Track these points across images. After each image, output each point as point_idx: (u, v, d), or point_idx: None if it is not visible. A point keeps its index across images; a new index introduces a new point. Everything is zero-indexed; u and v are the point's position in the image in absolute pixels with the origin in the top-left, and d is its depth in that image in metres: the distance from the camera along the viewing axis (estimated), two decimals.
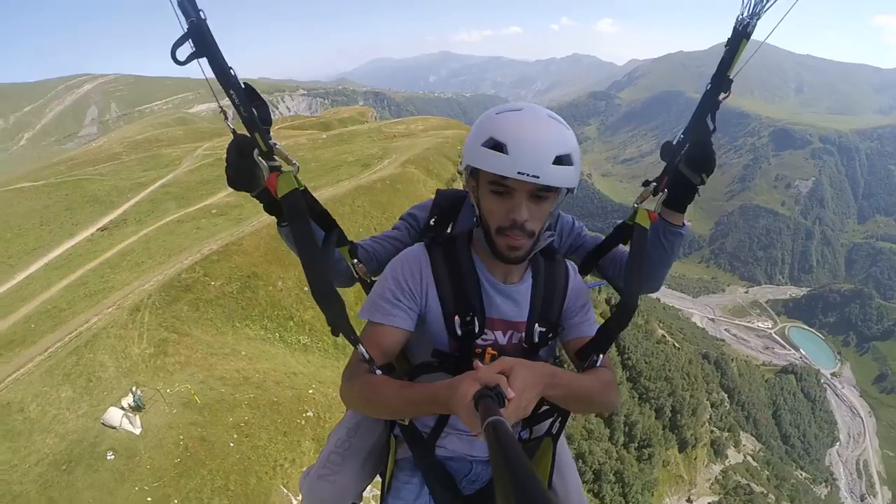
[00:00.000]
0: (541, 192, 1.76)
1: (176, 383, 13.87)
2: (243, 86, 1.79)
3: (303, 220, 1.85)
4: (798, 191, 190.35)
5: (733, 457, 73.66)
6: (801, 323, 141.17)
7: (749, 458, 76.01)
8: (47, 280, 23.49)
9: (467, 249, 2.03)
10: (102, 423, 11.50)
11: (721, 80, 2.08)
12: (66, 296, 20.17)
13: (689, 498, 59.38)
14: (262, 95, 1.83)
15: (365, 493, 2.28)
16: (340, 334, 1.77)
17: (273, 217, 2.09)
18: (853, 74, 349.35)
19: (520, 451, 0.95)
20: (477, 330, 1.93)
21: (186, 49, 1.62)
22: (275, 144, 1.87)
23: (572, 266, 2.25)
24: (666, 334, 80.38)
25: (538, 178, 1.69)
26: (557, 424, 2.23)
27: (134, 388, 12.57)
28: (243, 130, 1.85)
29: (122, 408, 11.90)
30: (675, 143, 2.26)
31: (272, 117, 1.92)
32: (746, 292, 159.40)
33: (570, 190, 1.86)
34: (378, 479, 2.25)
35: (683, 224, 2.34)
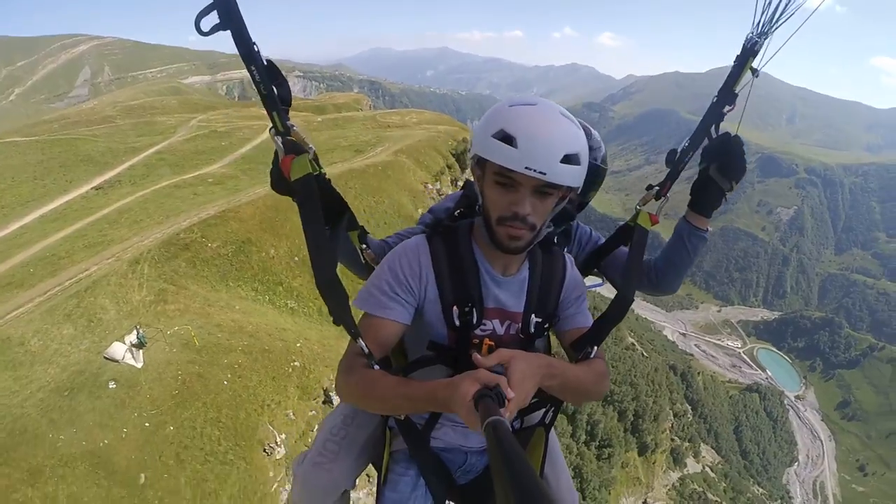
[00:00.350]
0: (545, 189, 1.76)
1: (176, 326, 14.73)
2: (265, 62, 1.79)
3: (313, 205, 1.85)
4: (779, 218, 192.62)
5: (692, 466, 75.20)
6: (769, 345, 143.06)
7: (707, 469, 77.66)
8: (43, 231, 23.79)
9: (468, 240, 2.02)
10: (105, 357, 12.35)
11: (727, 94, 2.22)
12: (65, 245, 20.70)
13: (645, 501, 60.40)
14: None
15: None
16: (341, 325, 1.79)
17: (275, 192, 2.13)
18: (847, 111, 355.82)
19: (520, 451, 0.97)
20: (475, 320, 1.94)
21: (212, 19, 1.64)
22: (292, 126, 1.89)
23: (569, 258, 2.25)
24: (636, 342, 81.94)
25: (545, 174, 1.69)
26: (550, 414, 2.31)
27: (137, 327, 13.41)
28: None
29: (126, 344, 12.78)
30: (679, 150, 2.37)
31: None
32: (719, 311, 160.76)
33: (574, 189, 1.86)
34: (371, 467, 2.36)
35: (707, 229, 2.45)
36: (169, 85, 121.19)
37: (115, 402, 11.29)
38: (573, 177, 1.73)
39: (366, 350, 1.77)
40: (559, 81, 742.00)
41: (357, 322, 1.83)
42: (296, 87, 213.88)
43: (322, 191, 1.90)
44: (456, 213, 2.40)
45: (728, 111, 2.24)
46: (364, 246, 2.33)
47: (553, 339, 2.30)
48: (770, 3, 2.01)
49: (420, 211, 30.49)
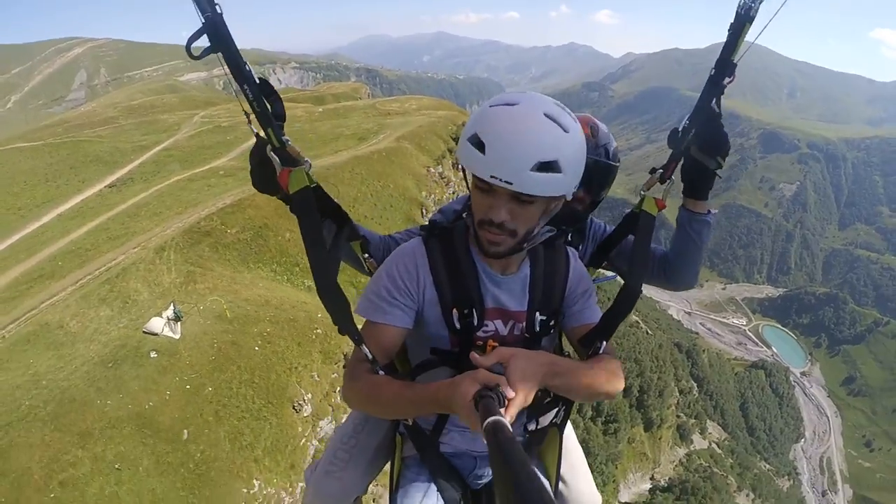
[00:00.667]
0: (524, 196, 1.68)
1: (207, 302, 15.88)
2: (258, 80, 1.85)
3: (312, 217, 1.89)
4: (782, 194, 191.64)
5: (698, 443, 75.89)
6: (775, 322, 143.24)
7: (714, 446, 78.42)
8: (64, 228, 24.79)
9: (464, 241, 1.98)
10: (144, 332, 13.42)
11: (725, 65, 2.11)
12: (89, 239, 21.75)
13: (652, 476, 61.58)
14: (253, 66, 1.83)
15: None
16: (345, 333, 1.81)
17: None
18: (847, 84, 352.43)
19: (520, 451, 0.95)
20: (476, 322, 1.91)
21: (203, 42, 1.70)
22: (287, 141, 1.93)
23: (573, 252, 2.19)
24: (640, 321, 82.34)
25: (511, 184, 1.62)
26: (562, 413, 2.24)
27: (173, 302, 14.55)
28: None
29: (164, 318, 13.89)
30: (681, 129, 2.26)
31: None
32: (724, 289, 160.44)
33: (558, 198, 1.79)
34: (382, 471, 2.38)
35: (709, 211, 2.41)
36: (166, 83, 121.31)
37: (157, 369, 12.43)
38: (550, 186, 1.65)
39: (369, 356, 1.79)
40: (557, 62, 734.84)
41: (360, 329, 1.87)
42: (292, 78, 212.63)
43: (320, 202, 1.98)
44: (463, 214, 2.18)
45: (728, 83, 2.15)
46: (367, 255, 2.34)
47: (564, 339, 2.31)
48: None
49: (423, 194, 31.66)
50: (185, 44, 1.67)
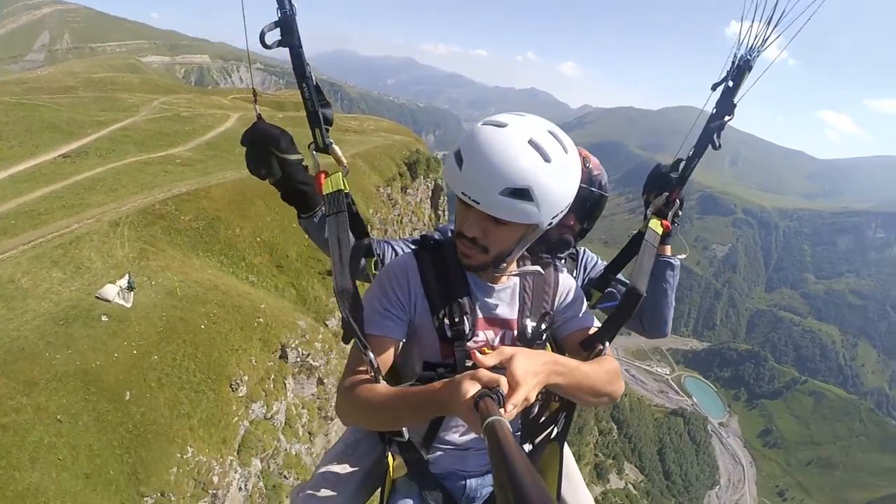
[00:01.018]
0: (497, 218, 1.68)
1: (160, 278, 16.45)
2: (315, 84, 1.95)
3: (341, 217, 1.93)
4: (714, 254, 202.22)
5: (615, 482, 78.47)
6: (697, 373, 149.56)
7: (630, 486, 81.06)
8: (16, 189, 24.29)
9: (454, 252, 1.96)
10: (96, 297, 13.89)
11: (727, 105, 2.28)
12: (43, 204, 21.64)
13: None
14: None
15: None
16: (352, 339, 1.78)
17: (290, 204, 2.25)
18: (789, 158, 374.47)
19: (520, 451, 0.94)
20: (468, 329, 1.90)
21: (275, 35, 1.82)
22: (330, 143, 2.02)
23: (560, 264, 2.23)
24: None
25: (478, 203, 1.65)
26: (562, 421, 2.25)
27: (129, 273, 15.06)
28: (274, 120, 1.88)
29: (117, 286, 14.39)
30: (685, 158, 2.41)
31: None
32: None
33: (530, 225, 1.76)
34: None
35: (672, 256, 2.55)
36: (127, 62, 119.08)
37: (107, 332, 12.97)
38: (520, 213, 1.65)
39: (375, 363, 1.75)
40: (517, 104, 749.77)
41: (350, 348, 1.87)
42: (255, 79, 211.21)
43: (349, 212, 1.99)
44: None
45: (728, 120, 2.33)
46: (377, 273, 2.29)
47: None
48: (764, 19, 2.10)
49: (371, 211, 32.40)
50: (261, 43, 1.80)
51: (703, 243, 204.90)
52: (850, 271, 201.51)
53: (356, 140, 45.05)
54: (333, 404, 16.34)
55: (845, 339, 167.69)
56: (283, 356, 17.39)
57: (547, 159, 1.62)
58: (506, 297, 2.02)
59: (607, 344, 2.02)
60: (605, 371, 1.84)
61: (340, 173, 2.03)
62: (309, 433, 18.93)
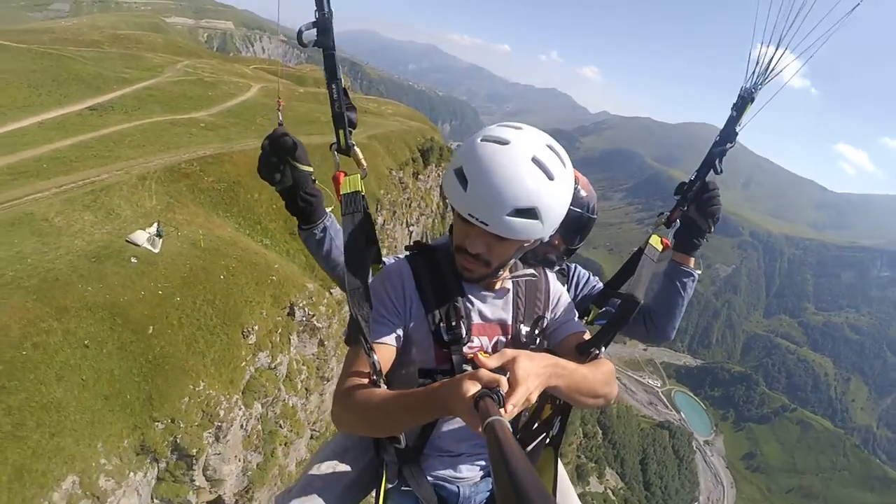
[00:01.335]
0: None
1: (185, 230, 17.58)
2: (343, 87, 1.98)
3: (356, 217, 1.95)
4: (717, 273, 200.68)
5: (594, 485, 78.09)
6: (687, 389, 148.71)
7: (609, 492, 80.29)
8: (46, 136, 25.12)
9: (449, 259, 1.99)
10: (127, 240, 15.02)
11: (730, 134, 2.37)
12: (74, 152, 22.59)
13: None
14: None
15: None
16: (357, 340, 1.76)
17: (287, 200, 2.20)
18: (801, 186, 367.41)
19: (520, 451, 0.94)
20: (464, 334, 1.91)
21: (312, 34, 1.87)
22: (352, 145, 2.05)
23: (552, 273, 2.26)
24: None
25: (487, 225, 1.66)
26: (557, 425, 2.32)
27: (158, 222, 16.24)
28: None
29: (147, 233, 15.55)
30: (688, 181, 2.46)
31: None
32: (645, 350, 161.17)
33: (534, 240, 1.81)
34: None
35: (693, 268, 2.56)
36: (152, 20, 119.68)
37: (136, 272, 14.12)
38: (526, 231, 1.68)
39: (378, 366, 1.74)
40: (536, 103, 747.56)
41: (346, 354, 1.89)
42: (277, 50, 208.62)
43: (363, 214, 2.00)
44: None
45: (730, 147, 2.37)
46: None
47: None
48: (763, 59, 2.18)
49: (382, 191, 33.56)
50: (298, 41, 1.86)
51: (706, 261, 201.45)
52: (850, 306, 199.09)
53: (373, 122, 45.94)
54: (330, 409, 16.91)
55: (839, 372, 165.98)
56: (291, 313, 18.63)
57: (550, 177, 1.67)
58: (500, 302, 2.05)
59: (603, 348, 2.04)
60: (602, 373, 1.87)
61: (359, 175, 2.07)
62: (306, 389, 20.07)
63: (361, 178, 2.06)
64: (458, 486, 2.13)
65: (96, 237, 15.22)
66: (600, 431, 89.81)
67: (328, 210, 2.25)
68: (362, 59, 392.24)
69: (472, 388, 1.29)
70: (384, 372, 1.84)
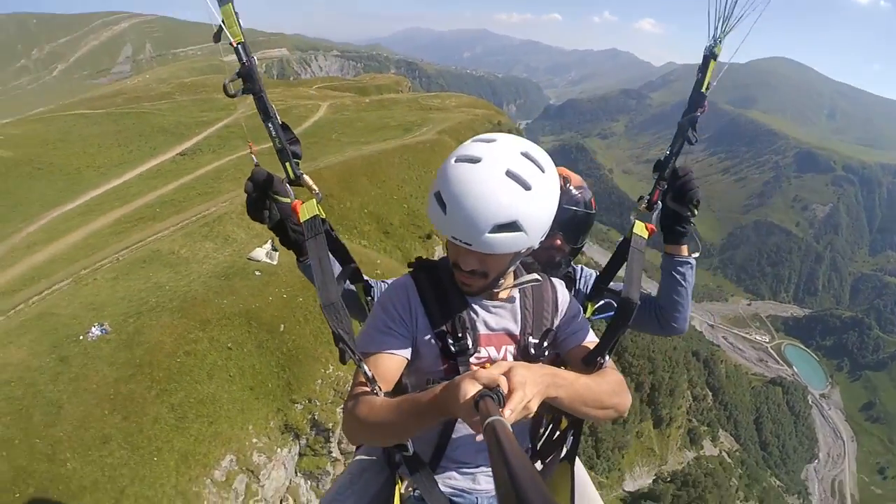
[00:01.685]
0: None
1: None
2: (281, 123, 2.15)
3: (319, 239, 2.00)
4: (814, 214, 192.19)
5: (709, 449, 76.62)
6: (798, 342, 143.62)
7: (724, 455, 78.41)
8: (149, 185, 28.00)
9: (450, 273, 2.01)
10: (248, 258, 16.95)
11: (698, 98, 2.34)
12: (179, 194, 25.20)
13: (658, 473, 62.44)
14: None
15: None
16: (345, 353, 1.77)
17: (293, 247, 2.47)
18: (889, 109, 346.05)
19: (520, 451, 0.93)
20: (470, 345, 1.95)
21: (239, 84, 2.04)
22: (301, 175, 2.17)
23: (558, 281, 2.26)
24: None
25: (470, 245, 1.70)
26: (570, 439, 2.33)
27: (271, 240, 17.72)
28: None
29: (264, 249, 17.40)
30: (663, 158, 2.42)
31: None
32: (749, 305, 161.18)
33: (518, 253, 1.83)
34: None
35: (688, 255, 2.55)
36: (210, 63, 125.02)
37: (261, 282, 16.05)
38: (510, 245, 1.71)
39: (369, 374, 1.78)
40: (597, 66, 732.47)
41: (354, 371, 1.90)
42: (333, 66, 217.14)
43: (328, 238, 2.09)
44: None
45: (702, 112, 2.35)
46: (370, 298, 2.50)
47: None
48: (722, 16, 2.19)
49: None
50: (224, 93, 2.04)
51: (801, 203, 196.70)
52: None
53: (440, 117, 47.53)
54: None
55: None
56: None
57: (527, 187, 1.67)
58: (506, 313, 2.07)
59: (608, 357, 2.03)
60: (608, 383, 1.85)
61: (314, 200, 2.11)
62: None
63: (317, 203, 2.13)
64: (476, 498, 2.13)
65: (220, 260, 17.25)
66: (710, 394, 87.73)
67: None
68: (417, 57, 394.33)
69: (472, 388, 1.31)
70: (393, 381, 1.92)
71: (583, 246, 3.00)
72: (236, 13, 2.02)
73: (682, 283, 2.58)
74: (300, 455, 15.24)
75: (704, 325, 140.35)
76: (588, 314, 2.64)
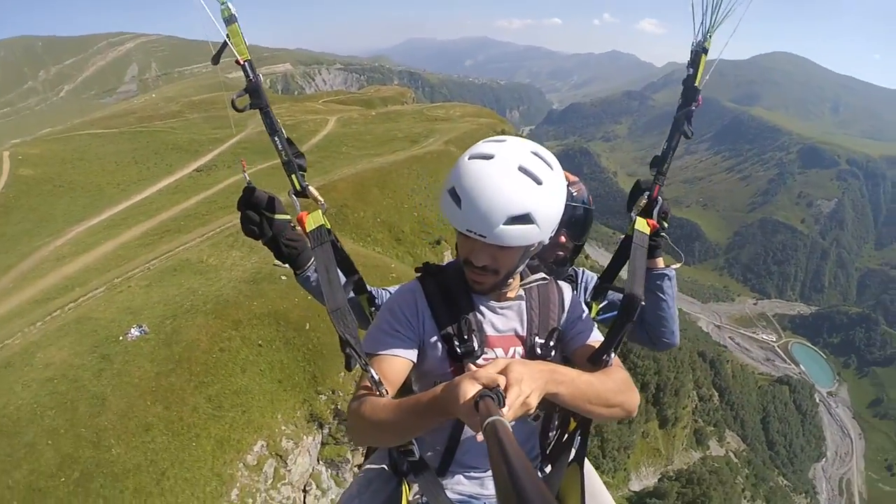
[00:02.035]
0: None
1: None
2: (287, 137, 2.15)
3: (325, 248, 2.04)
4: (819, 210, 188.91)
5: (715, 449, 75.60)
6: (805, 340, 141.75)
7: (731, 455, 77.42)
8: (170, 200, 29.41)
9: (459, 275, 2.05)
10: (274, 265, 18.13)
11: (691, 93, 2.33)
12: (202, 208, 26.66)
13: (663, 472, 61.93)
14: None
15: None
16: (351, 358, 1.80)
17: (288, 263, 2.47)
18: (892, 100, 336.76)
19: (520, 451, 0.93)
20: (477, 347, 1.96)
21: (246, 100, 2.06)
22: (306, 186, 2.16)
23: (565, 283, 2.27)
24: None
25: (485, 237, 1.71)
26: (578, 441, 2.32)
27: None
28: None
29: None
30: (660, 153, 2.42)
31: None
32: (755, 304, 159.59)
33: (532, 245, 1.85)
34: None
35: (665, 267, 2.53)
36: (215, 80, 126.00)
37: (287, 286, 17.38)
38: (524, 237, 1.74)
39: (376, 377, 1.78)
40: (599, 69, 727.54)
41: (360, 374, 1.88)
42: (337, 79, 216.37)
43: (333, 249, 2.11)
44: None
45: (696, 107, 2.35)
46: (373, 309, 2.53)
47: None
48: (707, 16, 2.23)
49: None
50: (232, 108, 2.08)
51: (806, 199, 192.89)
52: None
53: (446, 127, 48.88)
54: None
55: None
56: None
57: (538, 182, 1.73)
58: (512, 314, 2.09)
59: (613, 355, 2.04)
60: (614, 381, 1.86)
61: (320, 211, 2.16)
62: None
63: (323, 213, 2.16)
64: (484, 503, 2.14)
65: (248, 267, 18.72)
66: (716, 394, 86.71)
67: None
68: (419, 68, 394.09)
69: (472, 388, 1.31)
70: (398, 383, 1.91)
71: (584, 243, 3.04)
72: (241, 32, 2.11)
73: (663, 296, 2.58)
74: (322, 444, 16.61)
75: (711, 325, 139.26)
76: (592, 314, 2.54)
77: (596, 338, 2.14)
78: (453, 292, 2.06)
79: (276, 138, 2.15)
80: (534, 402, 1.38)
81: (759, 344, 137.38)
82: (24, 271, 22.50)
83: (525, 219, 1.71)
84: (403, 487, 2.16)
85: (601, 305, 2.62)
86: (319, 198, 2.20)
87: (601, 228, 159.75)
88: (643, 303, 2.16)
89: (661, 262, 2.58)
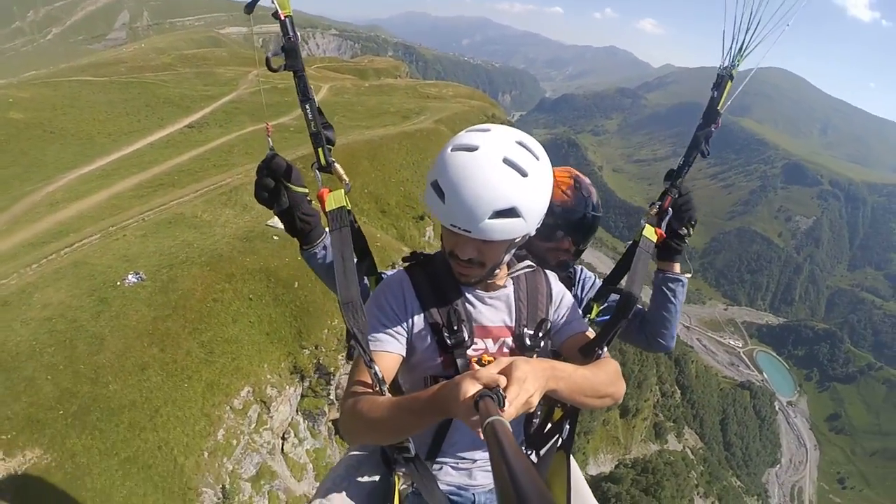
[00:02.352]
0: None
1: None
2: (318, 107, 2.01)
3: (344, 232, 1.98)
4: (797, 226, 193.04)
5: (673, 444, 76.95)
6: (770, 349, 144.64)
7: (688, 451, 78.31)
8: (162, 154, 29.24)
9: (446, 266, 2.03)
10: (267, 224, 18.85)
11: (713, 114, 2.39)
12: (195, 164, 26.76)
13: (620, 460, 63.04)
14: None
15: None
16: (354, 351, 1.82)
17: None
18: (882, 129, 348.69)
19: (520, 451, 0.92)
20: (466, 337, 1.96)
21: (280, 59, 1.92)
22: (333, 162, 2.08)
23: (551, 273, 2.28)
24: None
25: (469, 232, 1.70)
26: (567, 429, 2.35)
27: None
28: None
29: None
30: (677, 166, 2.46)
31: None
32: (725, 309, 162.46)
33: (513, 240, 1.84)
34: None
35: (680, 273, 2.56)
36: (207, 34, 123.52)
37: (279, 245, 18.04)
38: (509, 230, 1.72)
39: (379, 374, 1.77)
40: (595, 63, 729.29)
41: (351, 366, 1.91)
42: (331, 45, 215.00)
43: (352, 231, 2.05)
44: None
45: (715, 129, 2.40)
46: None
47: None
48: (736, 41, 2.26)
49: None
50: (266, 67, 1.93)
51: (785, 214, 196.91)
52: None
53: (438, 106, 48.94)
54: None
55: None
56: (393, 267, 22.44)
57: (524, 174, 1.69)
58: (500, 304, 2.09)
59: (605, 348, 2.07)
60: (606, 373, 1.88)
61: (342, 190, 2.10)
62: None
63: (345, 193, 2.11)
64: (472, 494, 2.17)
65: (241, 225, 19.28)
66: (679, 391, 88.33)
67: (327, 229, 2.20)
68: (415, 42, 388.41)
69: (472, 388, 1.29)
70: (389, 380, 1.89)
71: (585, 248, 2.99)
72: None
73: (672, 300, 2.61)
74: (302, 396, 17.50)
75: (680, 326, 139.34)
76: (593, 315, 2.61)
77: (583, 329, 2.18)
78: (442, 282, 2.07)
79: (308, 106, 2.08)
80: (536, 401, 1.39)
81: (726, 348, 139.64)
82: (17, 214, 22.46)
83: (511, 213, 1.71)
84: (395, 479, 2.16)
85: (602, 307, 2.65)
86: (345, 176, 2.15)
87: None
88: (639, 306, 2.32)
89: (678, 267, 2.63)
